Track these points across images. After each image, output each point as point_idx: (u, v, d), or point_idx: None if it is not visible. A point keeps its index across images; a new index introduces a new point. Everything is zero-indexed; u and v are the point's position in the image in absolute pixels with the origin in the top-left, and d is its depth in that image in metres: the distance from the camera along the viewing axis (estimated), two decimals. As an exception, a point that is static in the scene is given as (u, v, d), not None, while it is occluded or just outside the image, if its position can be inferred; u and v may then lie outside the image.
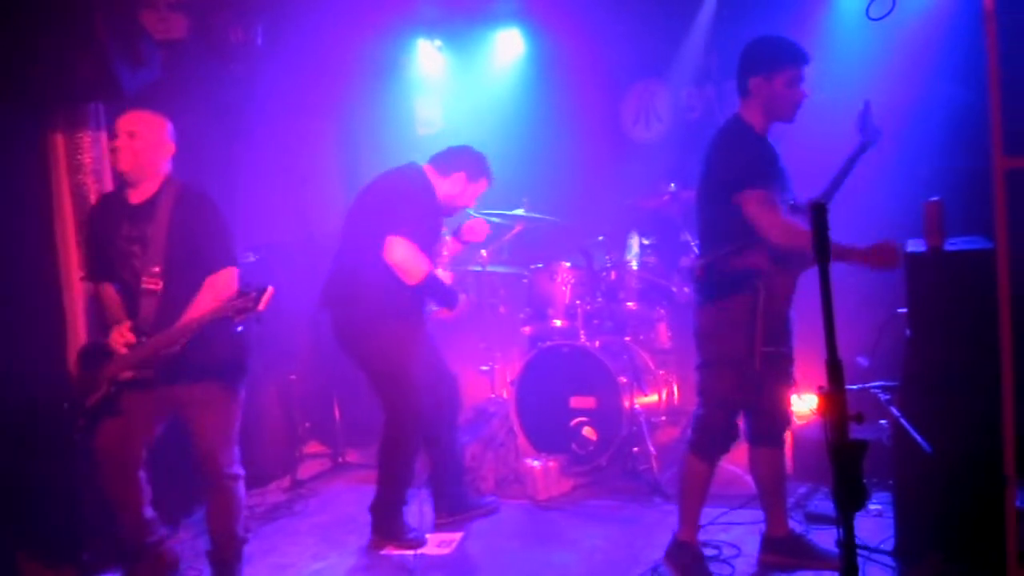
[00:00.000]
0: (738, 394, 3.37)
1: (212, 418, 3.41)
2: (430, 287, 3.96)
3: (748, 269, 3.27)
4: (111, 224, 3.40)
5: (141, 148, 3.33)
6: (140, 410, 3.37)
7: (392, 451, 4.05)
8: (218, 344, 3.37)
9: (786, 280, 3.32)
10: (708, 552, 3.64)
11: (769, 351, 3.30)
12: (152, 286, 3.29)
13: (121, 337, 3.28)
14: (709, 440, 3.42)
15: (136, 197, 3.40)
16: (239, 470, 3.47)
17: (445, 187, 4.10)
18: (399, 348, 3.97)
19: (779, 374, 3.41)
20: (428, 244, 3.98)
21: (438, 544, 4.05)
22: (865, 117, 3.37)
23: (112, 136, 3.39)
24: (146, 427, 3.43)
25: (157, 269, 3.29)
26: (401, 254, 3.82)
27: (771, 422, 3.47)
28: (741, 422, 3.48)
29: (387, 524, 4.06)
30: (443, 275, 4.17)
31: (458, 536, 4.12)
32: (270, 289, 3.11)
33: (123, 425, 3.36)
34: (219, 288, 3.30)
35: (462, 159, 4.15)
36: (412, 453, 4.09)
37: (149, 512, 3.47)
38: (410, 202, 3.94)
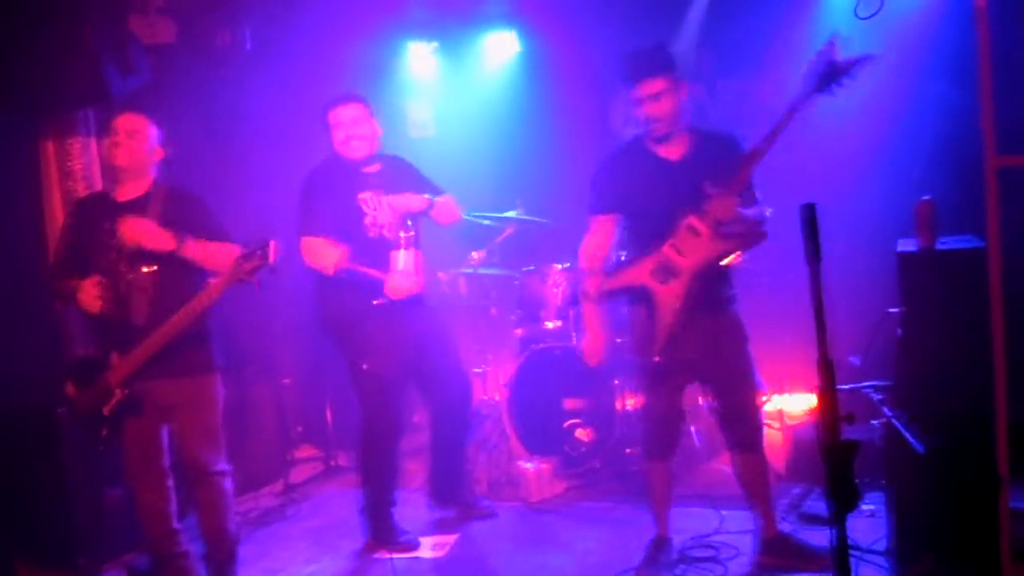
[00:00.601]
0: (643, 398, 3.65)
1: (196, 415, 3.43)
2: (348, 276, 3.83)
3: (631, 283, 3.44)
4: (94, 221, 3.39)
5: (138, 147, 3.38)
6: (153, 411, 3.39)
7: (361, 451, 4.11)
8: (199, 339, 3.41)
9: (667, 292, 3.35)
10: (705, 553, 3.65)
11: (646, 360, 3.44)
12: (144, 283, 3.32)
13: (93, 289, 3.29)
14: (646, 441, 3.64)
15: (125, 195, 3.41)
16: (225, 466, 3.49)
17: (334, 142, 3.98)
18: (348, 344, 3.98)
19: (667, 381, 3.50)
20: (341, 224, 3.84)
21: (432, 547, 4.04)
22: (821, 60, 3.28)
23: (110, 134, 3.40)
24: (161, 428, 3.45)
25: (154, 267, 3.33)
26: (306, 254, 3.86)
27: (741, 428, 3.50)
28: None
29: (377, 527, 4.05)
30: (402, 257, 3.87)
31: (452, 539, 4.11)
32: (272, 241, 3.18)
33: (146, 427, 3.39)
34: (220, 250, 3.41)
35: (320, 117, 4.02)
36: (381, 453, 4.04)
37: (177, 522, 3.49)
38: (299, 199, 3.94)
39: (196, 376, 3.43)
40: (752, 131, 5.66)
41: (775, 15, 5.26)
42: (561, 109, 5.89)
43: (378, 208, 3.97)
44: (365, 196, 3.96)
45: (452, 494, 4.35)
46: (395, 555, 3.93)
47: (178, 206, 3.42)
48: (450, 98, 6.32)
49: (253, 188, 5.04)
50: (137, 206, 3.37)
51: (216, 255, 3.37)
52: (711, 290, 3.41)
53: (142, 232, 3.28)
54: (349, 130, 3.93)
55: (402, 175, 4.06)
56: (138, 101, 3.80)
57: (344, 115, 3.93)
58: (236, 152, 5.20)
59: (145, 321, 3.32)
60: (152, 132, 3.42)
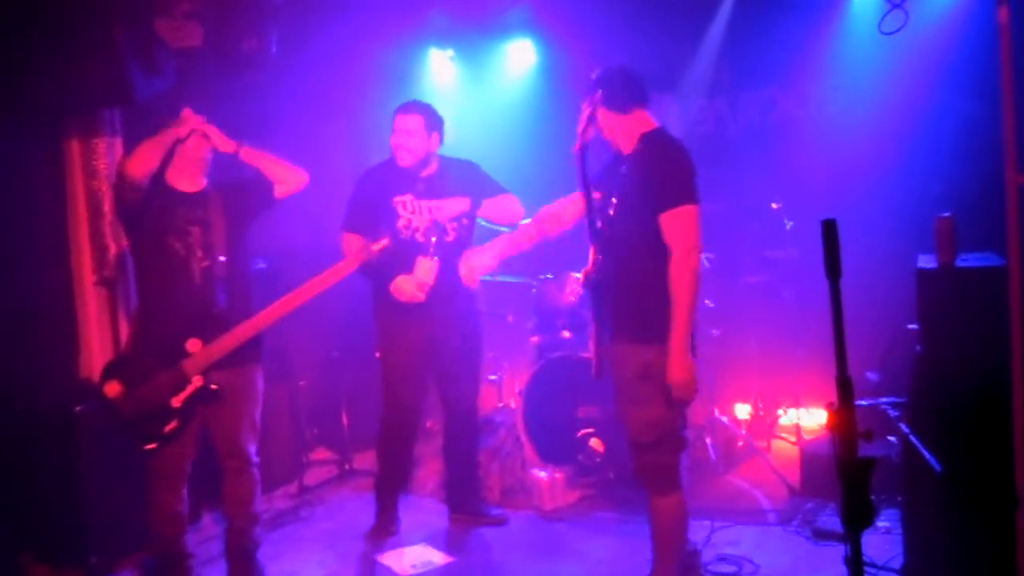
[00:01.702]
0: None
1: (245, 405, 3.54)
2: (370, 271, 3.98)
3: None
4: (165, 209, 3.47)
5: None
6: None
7: (377, 434, 4.34)
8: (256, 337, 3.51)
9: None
10: (727, 568, 3.65)
11: None
12: (221, 270, 3.45)
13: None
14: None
15: (187, 187, 3.53)
16: (257, 458, 3.64)
17: (392, 144, 4.14)
18: (378, 333, 4.23)
19: None
20: (376, 224, 3.97)
21: (439, 554, 4.05)
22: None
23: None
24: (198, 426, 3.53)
25: (223, 258, 3.46)
26: (343, 249, 4.04)
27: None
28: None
29: (378, 509, 4.31)
30: (426, 266, 3.96)
31: (461, 544, 4.12)
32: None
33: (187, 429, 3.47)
34: None
35: None
36: (389, 438, 4.27)
37: (188, 525, 3.62)
38: (349, 196, 4.19)
39: (248, 365, 3.54)
40: (774, 142, 5.69)
41: (798, 27, 5.25)
42: (577, 119, 5.89)
43: (415, 212, 4.10)
44: (404, 199, 4.10)
45: (463, 500, 4.39)
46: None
47: (231, 195, 3.60)
48: (468, 105, 6.34)
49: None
50: (199, 199, 3.51)
51: (279, 165, 3.62)
52: None
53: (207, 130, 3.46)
54: (401, 139, 4.09)
55: (456, 179, 4.17)
56: (163, 104, 3.84)
57: (401, 124, 4.10)
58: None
59: (224, 308, 3.41)
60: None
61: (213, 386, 3.40)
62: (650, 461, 3.18)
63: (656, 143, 3.21)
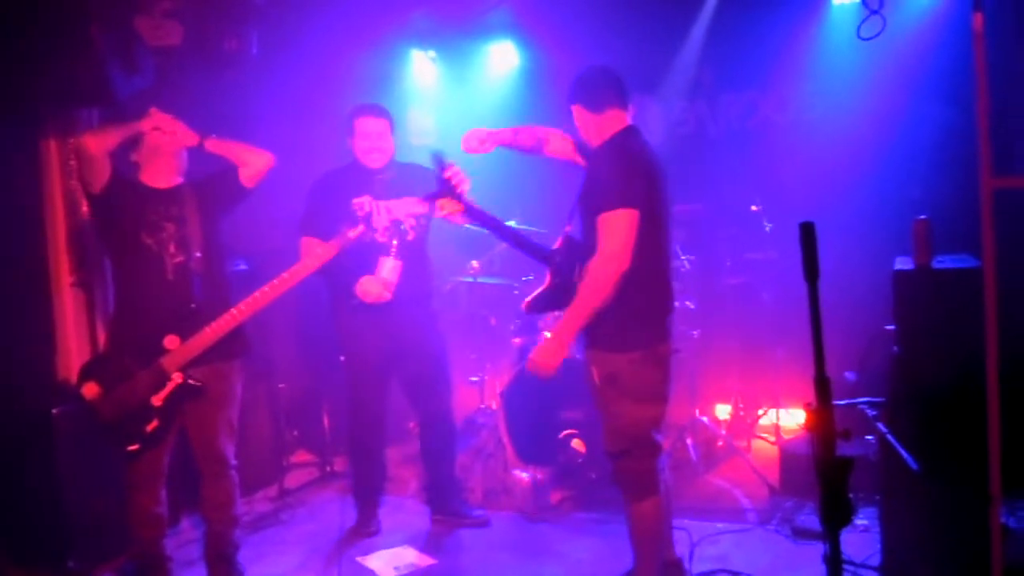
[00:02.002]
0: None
1: (222, 406, 3.52)
2: (331, 271, 3.93)
3: None
4: (135, 206, 3.46)
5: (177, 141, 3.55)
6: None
7: (347, 439, 4.43)
8: (237, 331, 3.50)
9: None
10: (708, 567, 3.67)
11: None
12: (197, 266, 3.44)
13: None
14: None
15: (159, 184, 3.52)
16: (235, 461, 3.63)
17: (355, 148, 4.14)
18: (340, 335, 4.26)
19: None
20: (335, 226, 3.89)
21: (420, 555, 4.05)
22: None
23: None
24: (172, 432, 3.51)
25: (199, 254, 3.44)
26: (302, 253, 3.97)
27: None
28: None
29: (358, 511, 4.37)
30: (389, 265, 3.98)
31: (442, 545, 4.12)
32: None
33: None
34: None
35: (344, 120, 4.19)
36: (360, 442, 4.32)
37: (167, 528, 3.61)
38: (304, 201, 4.19)
39: (228, 361, 3.53)
40: (755, 145, 5.73)
41: (779, 31, 5.30)
42: (561, 119, 5.90)
43: (375, 212, 4.08)
44: (362, 200, 4.09)
45: (443, 505, 4.39)
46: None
47: (204, 188, 3.60)
48: (451, 107, 6.35)
49: (256, 191, 5.05)
50: (173, 195, 3.50)
51: (243, 149, 3.61)
52: None
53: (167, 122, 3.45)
54: (373, 142, 4.10)
55: (410, 179, 4.13)
56: (142, 103, 3.81)
57: (371, 127, 4.11)
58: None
59: (200, 304, 3.40)
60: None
61: (193, 381, 3.38)
62: (623, 468, 3.19)
63: (608, 145, 3.18)
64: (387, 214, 4.09)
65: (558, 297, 3.24)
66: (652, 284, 3.11)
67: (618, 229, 2.95)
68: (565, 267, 3.20)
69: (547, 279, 3.29)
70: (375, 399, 4.28)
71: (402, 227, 4.06)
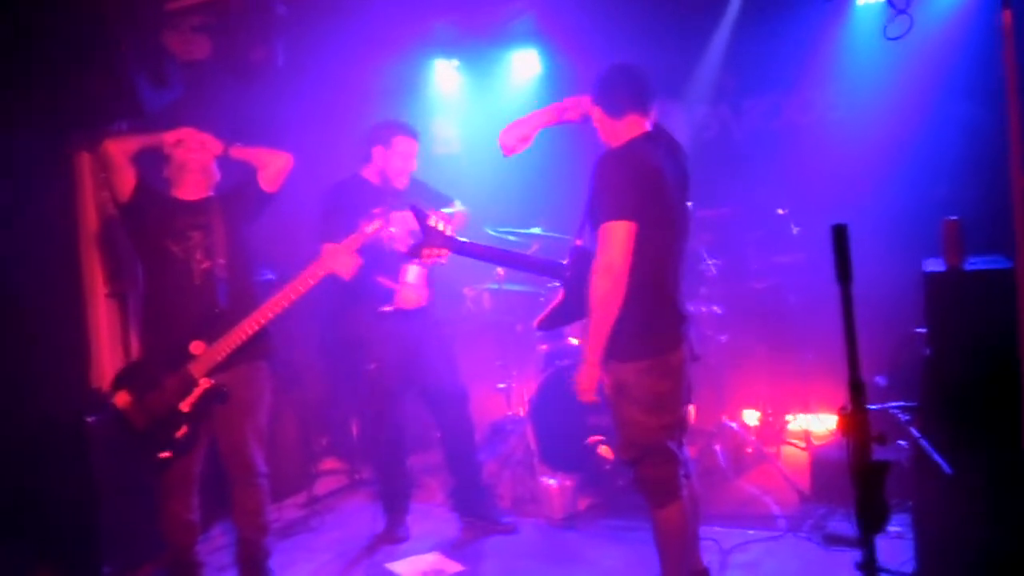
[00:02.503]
0: None
1: (253, 417, 3.56)
2: (362, 284, 3.97)
3: None
4: (163, 216, 3.53)
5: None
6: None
7: (371, 450, 4.50)
8: (262, 335, 3.53)
9: None
10: None
11: None
12: (222, 271, 3.49)
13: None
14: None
15: (187, 195, 3.60)
16: (265, 468, 3.64)
17: (375, 168, 4.20)
18: (359, 347, 4.26)
19: None
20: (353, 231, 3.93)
21: (448, 561, 4.05)
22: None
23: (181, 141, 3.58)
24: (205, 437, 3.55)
25: (223, 260, 3.49)
26: (326, 260, 3.92)
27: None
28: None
29: (387, 518, 4.38)
30: (412, 270, 4.10)
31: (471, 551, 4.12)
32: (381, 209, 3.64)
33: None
34: None
35: (370, 135, 4.24)
36: (386, 450, 4.33)
37: (200, 535, 3.66)
38: (322, 209, 4.21)
39: (254, 362, 3.56)
40: (780, 147, 5.70)
41: (801, 32, 5.27)
42: (584, 126, 5.90)
43: (391, 222, 4.06)
44: (378, 210, 4.04)
45: (471, 508, 4.42)
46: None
47: (230, 198, 3.66)
48: (475, 116, 6.36)
49: (281, 202, 5.09)
50: (201, 206, 3.57)
51: (262, 152, 3.68)
52: None
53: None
54: (407, 163, 4.20)
55: (422, 194, 4.19)
56: (171, 116, 3.87)
57: (409, 148, 4.20)
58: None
59: (225, 308, 3.45)
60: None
61: (221, 386, 3.42)
62: (641, 475, 3.17)
63: (614, 154, 3.10)
64: (403, 224, 4.06)
65: (571, 311, 3.23)
66: (659, 293, 3.07)
67: (614, 241, 2.92)
68: (576, 280, 3.17)
69: (560, 294, 3.27)
70: (399, 405, 4.32)
71: (420, 235, 4.05)
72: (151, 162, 3.64)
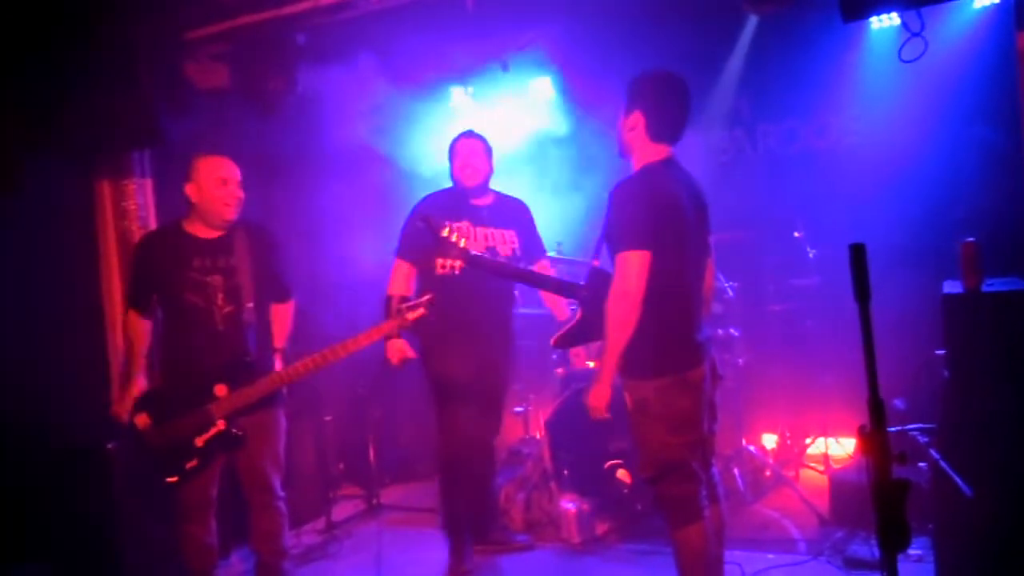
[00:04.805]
0: None
1: (269, 441, 3.56)
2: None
3: None
4: (179, 257, 3.46)
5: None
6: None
7: (440, 469, 4.31)
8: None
9: None
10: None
11: None
12: (250, 317, 3.48)
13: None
14: None
15: (206, 233, 3.51)
16: (283, 492, 3.65)
17: (453, 169, 4.25)
18: (423, 361, 4.18)
19: None
20: (428, 249, 3.85)
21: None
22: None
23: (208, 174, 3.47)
24: (220, 464, 3.55)
25: (251, 304, 3.47)
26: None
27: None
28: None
29: (450, 545, 4.24)
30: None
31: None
32: (431, 295, 3.54)
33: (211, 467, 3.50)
34: (287, 318, 3.75)
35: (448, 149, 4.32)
36: (445, 473, 4.23)
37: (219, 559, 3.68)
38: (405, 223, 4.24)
39: (271, 408, 3.56)
40: (796, 171, 5.69)
41: (817, 57, 5.29)
42: (600, 152, 5.94)
43: (472, 238, 4.11)
44: (461, 225, 4.07)
45: (485, 531, 4.38)
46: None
47: (261, 248, 3.59)
48: (491, 141, 6.40)
49: (302, 231, 5.14)
50: (222, 244, 3.50)
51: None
52: None
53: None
54: (466, 159, 4.23)
55: (510, 213, 4.29)
56: (191, 144, 3.92)
57: (464, 146, 4.26)
58: (284, 194, 5.33)
59: (254, 358, 3.45)
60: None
61: (236, 431, 3.42)
62: (661, 493, 3.14)
63: (632, 180, 3.12)
64: (484, 241, 4.15)
65: (588, 331, 3.24)
66: (677, 312, 3.07)
67: (629, 271, 2.94)
68: (592, 301, 3.18)
69: (577, 313, 3.29)
70: (473, 422, 4.17)
71: (496, 254, 4.11)
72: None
